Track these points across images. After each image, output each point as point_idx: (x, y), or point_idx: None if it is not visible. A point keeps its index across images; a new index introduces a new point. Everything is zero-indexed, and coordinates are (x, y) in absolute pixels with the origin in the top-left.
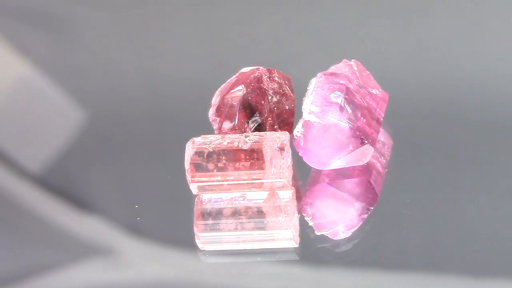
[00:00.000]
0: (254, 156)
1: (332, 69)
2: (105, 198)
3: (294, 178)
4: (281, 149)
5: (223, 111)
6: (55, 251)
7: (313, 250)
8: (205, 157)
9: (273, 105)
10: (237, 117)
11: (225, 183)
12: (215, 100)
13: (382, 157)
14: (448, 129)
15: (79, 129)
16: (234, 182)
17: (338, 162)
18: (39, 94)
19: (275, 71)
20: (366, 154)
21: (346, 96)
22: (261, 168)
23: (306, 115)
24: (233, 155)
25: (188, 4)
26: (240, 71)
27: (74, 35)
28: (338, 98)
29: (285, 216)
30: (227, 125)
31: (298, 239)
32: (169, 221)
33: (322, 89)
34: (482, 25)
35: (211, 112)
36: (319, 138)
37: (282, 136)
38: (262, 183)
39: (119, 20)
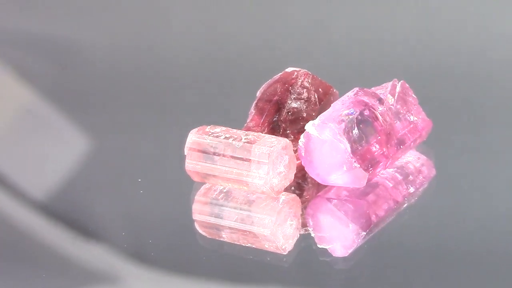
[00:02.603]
0: (243, 156)
1: (383, 86)
2: (109, 225)
3: (312, 187)
4: (270, 154)
5: (258, 106)
6: (59, 279)
7: (311, 261)
8: (202, 147)
9: (289, 110)
10: (265, 114)
11: (217, 174)
12: (258, 93)
13: (409, 186)
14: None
15: (83, 157)
16: (224, 176)
17: (336, 180)
18: (43, 122)
19: (311, 76)
20: (360, 178)
21: (361, 116)
22: (247, 168)
23: (308, 126)
24: (225, 150)
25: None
26: (285, 70)
27: (78, 62)
28: (348, 115)
29: (270, 221)
30: (254, 120)
31: (287, 247)
32: (174, 247)
33: (342, 104)
34: None
35: (253, 105)
36: (318, 152)
37: (275, 141)
38: (248, 183)
39: (124, 46)
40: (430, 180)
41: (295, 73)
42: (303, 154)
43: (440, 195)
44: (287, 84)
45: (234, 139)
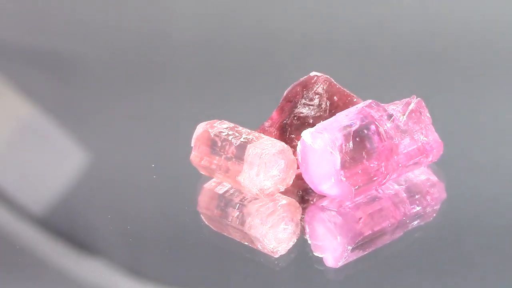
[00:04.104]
0: (238, 155)
1: (401, 102)
2: (107, 240)
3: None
4: (260, 156)
5: (279, 106)
6: None
7: (302, 267)
8: (206, 140)
9: (296, 114)
10: (280, 115)
11: (217, 169)
12: (285, 93)
13: (414, 205)
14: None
15: (82, 171)
16: (223, 173)
17: (327, 191)
18: (41, 135)
19: (328, 83)
20: (346, 192)
21: (361, 129)
22: (240, 168)
23: (304, 133)
24: (224, 147)
25: None
26: (310, 74)
27: (77, 76)
28: (347, 127)
29: (258, 222)
30: (271, 119)
31: (280, 251)
32: (173, 264)
33: (346, 114)
34: None
35: None
36: (311, 160)
37: (269, 144)
38: (240, 182)
39: (123, 60)
40: (438, 203)
41: (315, 78)
42: (299, 160)
43: (445, 219)
44: (304, 89)
45: (235, 137)
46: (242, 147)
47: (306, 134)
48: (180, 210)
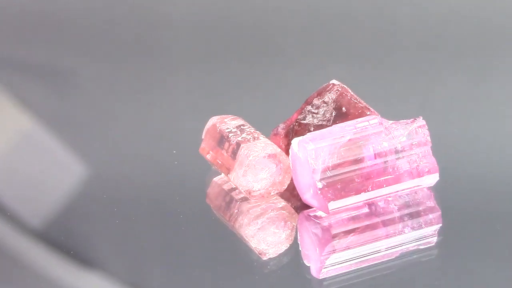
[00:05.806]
0: (232, 153)
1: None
2: (107, 254)
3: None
4: (248, 156)
5: (300, 108)
6: None
7: (291, 272)
8: (213, 134)
9: (298, 121)
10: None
11: (218, 164)
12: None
13: (408, 228)
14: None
15: (81, 184)
16: (222, 169)
17: (309, 201)
18: (41, 148)
19: (340, 92)
20: (323, 205)
21: (351, 144)
22: (231, 167)
23: (294, 140)
24: (224, 143)
25: None
26: (330, 82)
27: (77, 89)
28: (337, 139)
29: (245, 222)
30: (287, 121)
31: (269, 254)
32: (172, 277)
33: (341, 127)
34: None
35: None
36: (297, 168)
37: (261, 147)
38: (232, 180)
39: (123, 74)
40: (431, 228)
41: (330, 86)
42: (291, 167)
43: (439, 245)
44: (318, 96)
45: (235, 135)
46: (237, 146)
47: (295, 142)
48: (182, 205)
